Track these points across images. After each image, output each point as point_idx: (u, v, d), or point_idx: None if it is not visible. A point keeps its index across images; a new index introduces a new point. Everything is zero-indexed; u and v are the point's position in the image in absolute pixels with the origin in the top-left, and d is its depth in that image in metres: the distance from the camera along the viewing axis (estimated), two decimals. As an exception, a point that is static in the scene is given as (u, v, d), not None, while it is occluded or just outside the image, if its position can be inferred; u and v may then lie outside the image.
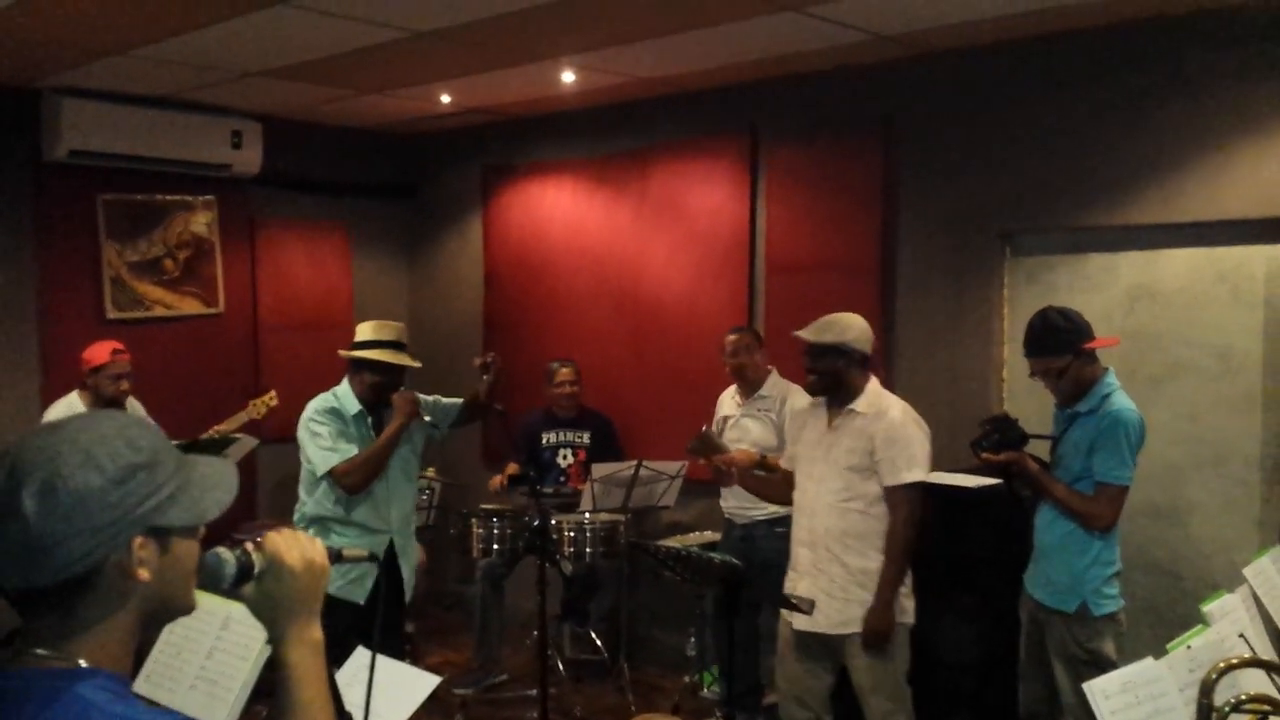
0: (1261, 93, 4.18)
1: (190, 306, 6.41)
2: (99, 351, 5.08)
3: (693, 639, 5.53)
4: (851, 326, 3.74)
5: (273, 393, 5.68)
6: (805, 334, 3.76)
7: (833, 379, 3.72)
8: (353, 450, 4.15)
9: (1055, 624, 3.60)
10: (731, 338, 5.08)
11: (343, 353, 4.35)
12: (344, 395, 4.25)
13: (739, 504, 5.00)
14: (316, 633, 1.48)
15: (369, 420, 4.24)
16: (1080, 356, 3.57)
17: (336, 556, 1.59)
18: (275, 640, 1.47)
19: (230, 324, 6.55)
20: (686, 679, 5.53)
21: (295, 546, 1.49)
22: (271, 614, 1.47)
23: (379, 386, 4.21)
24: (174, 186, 6.24)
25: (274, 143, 6.34)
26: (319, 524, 4.13)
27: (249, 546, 1.49)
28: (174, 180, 6.20)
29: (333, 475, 4.10)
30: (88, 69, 5.29)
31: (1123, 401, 3.56)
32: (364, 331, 4.34)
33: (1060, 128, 4.67)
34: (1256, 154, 4.20)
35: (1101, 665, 3.41)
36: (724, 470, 4.93)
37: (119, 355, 5.07)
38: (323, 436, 4.14)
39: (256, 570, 1.48)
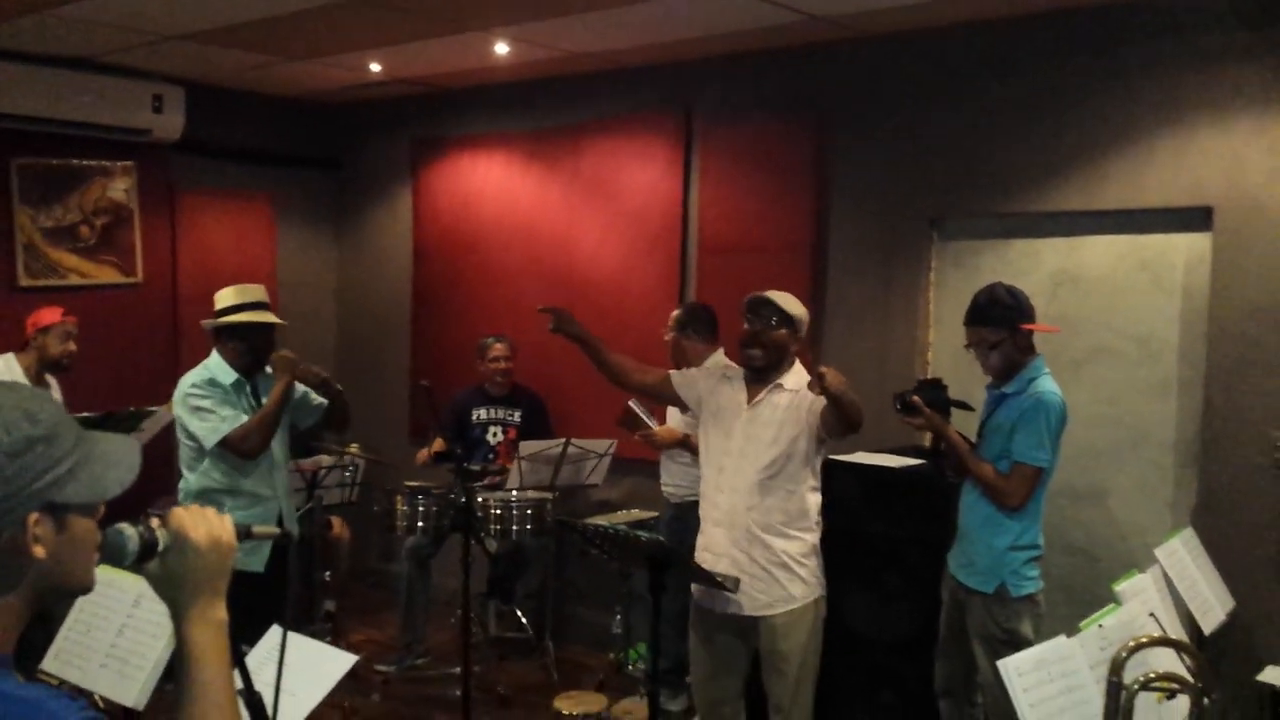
0: (1185, 84, 4.26)
1: (107, 275, 6.24)
2: (49, 313, 5.15)
3: (618, 616, 5.53)
4: (799, 305, 3.65)
5: None
6: (775, 297, 3.58)
7: (780, 353, 3.59)
8: (242, 417, 4.02)
9: (975, 604, 3.65)
10: (674, 313, 5.05)
11: (206, 323, 4.19)
12: (217, 366, 4.09)
13: (674, 483, 5.01)
14: (221, 612, 1.44)
15: (247, 388, 4.11)
16: (1016, 335, 3.60)
17: (245, 534, 1.56)
18: (177, 618, 1.44)
19: (149, 294, 6.39)
20: (611, 656, 5.53)
21: (202, 523, 1.46)
22: (174, 591, 1.44)
23: (253, 350, 4.08)
24: (91, 151, 6.06)
25: (197, 109, 6.18)
26: (206, 498, 3.98)
27: (153, 522, 1.45)
28: (91, 145, 6.02)
29: (227, 443, 3.95)
30: (1, 28, 5.09)
31: (1048, 386, 3.60)
32: (225, 298, 4.16)
33: (989, 115, 4.72)
34: (1179, 145, 4.29)
35: (1018, 645, 3.44)
36: (648, 444, 4.96)
37: (68, 316, 5.17)
38: (206, 409, 3.99)
39: (160, 547, 1.44)
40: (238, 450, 3.98)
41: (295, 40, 5.35)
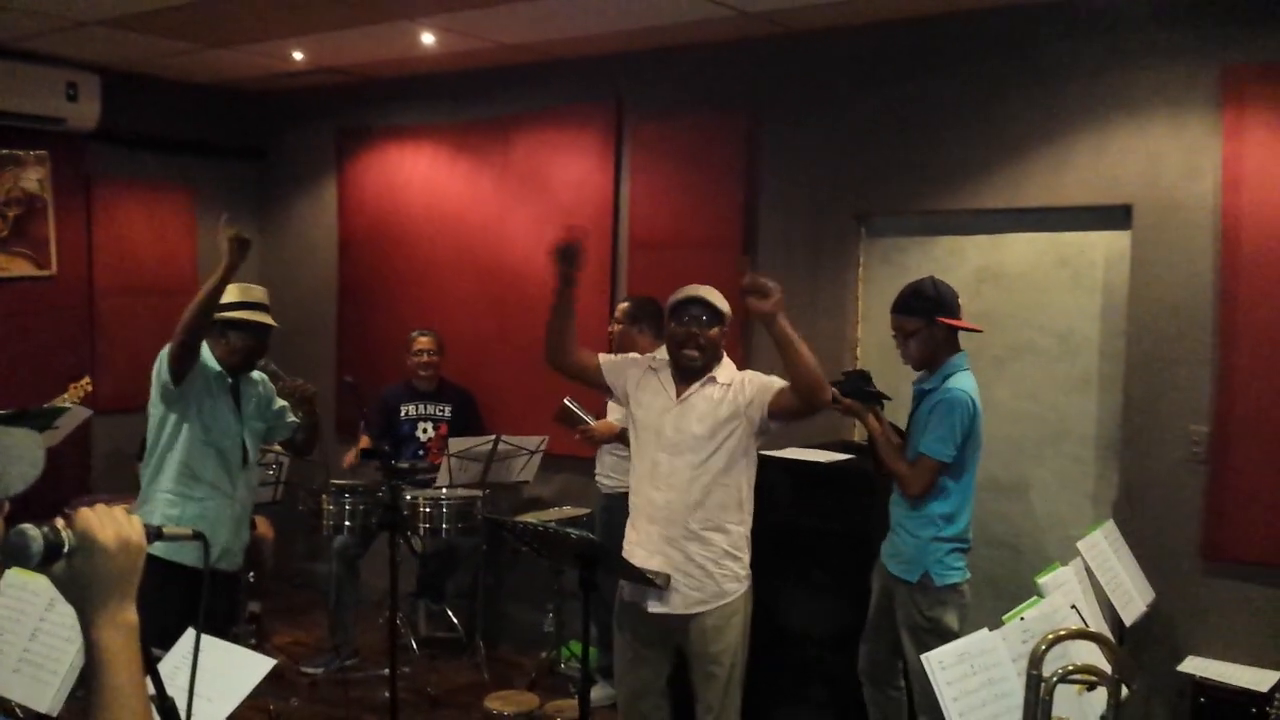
0: (1104, 84, 4.34)
1: (20, 268, 6.04)
2: None
3: (551, 615, 5.50)
4: (721, 296, 3.58)
5: (87, 379, 5.38)
6: (705, 294, 3.52)
7: (716, 351, 3.54)
8: (212, 400, 3.91)
9: (901, 593, 3.73)
10: (624, 305, 5.01)
11: None
12: (205, 355, 3.97)
13: (607, 473, 5.00)
14: (131, 615, 1.39)
15: (229, 382, 3.99)
16: (933, 326, 3.70)
17: (156, 534, 1.50)
18: (85, 623, 1.38)
19: (63, 287, 6.20)
20: (544, 655, 5.50)
21: (110, 524, 1.40)
22: (82, 595, 1.38)
23: (246, 350, 3.98)
24: (2, 139, 5.86)
25: (113, 96, 6.01)
26: (164, 483, 3.86)
27: (59, 523, 1.40)
28: (2, 133, 5.82)
29: (168, 355, 3.77)
30: (-98, 9, 4.91)
31: (962, 383, 3.68)
32: (228, 294, 4.01)
33: (915, 113, 4.77)
34: (1097, 144, 4.37)
35: (942, 633, 3.56)
36: (586, 439, 4.92)
37: None
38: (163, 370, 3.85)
39: (66, 548, 1.38)
40: (172, 349, 3.76)
41: (215, 27, 5.22)
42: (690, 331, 3.52)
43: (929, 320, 3.70)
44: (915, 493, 3.67)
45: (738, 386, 3.52)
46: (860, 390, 3.81)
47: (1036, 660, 2.36)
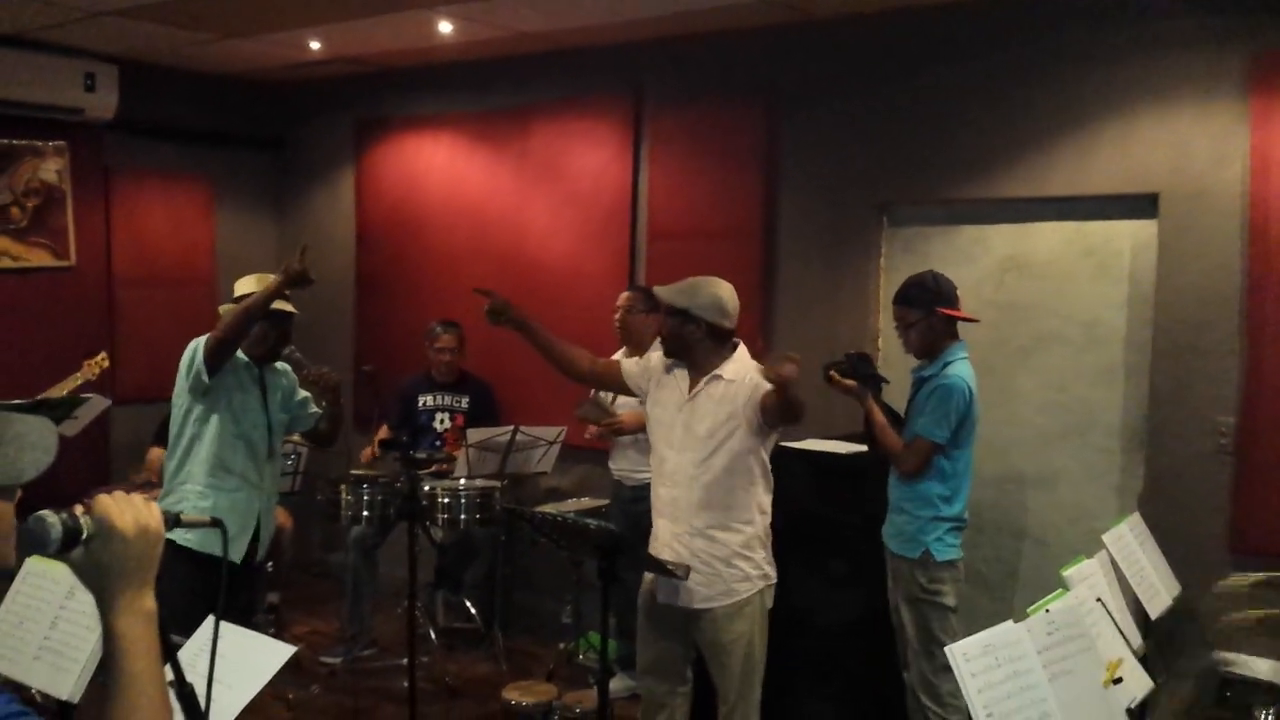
0: (1129, 71, 4.29)
1: (39, 258, 6.07)
2: None
3: (569, 606, 5.48)
4: (703, 293, 3.50)
5: (104, 354, 5.39)
6: (662, 291, 3.60)
7: (677, 343, 3.56)
8: (241, 393, 3.92)
9: (902, 569, 3.88)
10: (623, 294, 5.03)
11: (225, 308, 4.08)
12: None
13: (631, 466, 4.97)
14: (149, 601, 1.39)
15: (257, 373, 3.99)
16: (932, 317, 3.83)
17: (175, 521, 1.50)
18: (104, 609, 1.39)
19: (82, 277, 6.23)
20: (562, 646, 5.49)
21: (128, 510, 1.40)
22: (100, 581, 1.39)
23: (271, 337, 3.97)
24: (21, 130, 5.89)
25: (131, 87, 6.01)
26: (195, 475, 3.87)
27: (77, 510, 1.40)
28: (21, 124, 5.85)
29: (205, 349, 3.76)
30: (-78, 0, 4.92)
31: (959, 371, 3.80)
32: (247, 285, 4.05)
33: (938, 100, 4.72)
34: (1123, 132, 4.31)
35: (939, 606, 3.78)
36: (613, 432, 4.91)
37: None
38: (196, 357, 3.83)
39: (85, 535, 1.37)
40: (208, 348, 3.77)
41: (231, 17, 5.22)
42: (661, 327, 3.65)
43: (929, 311, 3.84)
44: (908, 470, 3.84)
45: (739, 384, 3.51)
46: (860, 372, 3.96)
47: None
